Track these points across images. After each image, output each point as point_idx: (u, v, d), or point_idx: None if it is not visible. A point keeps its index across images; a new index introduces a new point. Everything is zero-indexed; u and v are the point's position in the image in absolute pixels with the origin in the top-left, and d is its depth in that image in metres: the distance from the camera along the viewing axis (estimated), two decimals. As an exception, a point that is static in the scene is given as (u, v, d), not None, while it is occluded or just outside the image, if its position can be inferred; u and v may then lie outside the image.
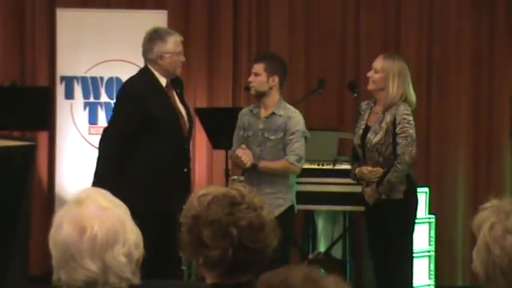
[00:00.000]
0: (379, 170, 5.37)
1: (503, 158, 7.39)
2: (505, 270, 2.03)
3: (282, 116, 5.49)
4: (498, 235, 2.05)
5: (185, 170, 5.44)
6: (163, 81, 5.43)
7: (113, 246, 2.10)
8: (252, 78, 5.53)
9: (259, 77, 5.49)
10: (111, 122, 5.62)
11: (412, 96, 5.46)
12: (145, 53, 5.45)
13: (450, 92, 7.43)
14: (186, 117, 5.49)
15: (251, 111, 5.60)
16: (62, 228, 2.12)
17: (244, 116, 5.64)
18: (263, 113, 5.54)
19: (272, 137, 5.49)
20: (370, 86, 5.47)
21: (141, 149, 5.37)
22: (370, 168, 5.40)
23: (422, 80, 7.43)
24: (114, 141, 5.44)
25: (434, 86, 7.45)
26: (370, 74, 5.47)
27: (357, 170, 5.48)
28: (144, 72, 5.50)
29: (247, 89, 5.68)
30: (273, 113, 5.50)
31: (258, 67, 5.51)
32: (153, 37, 5.42)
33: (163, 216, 5.15)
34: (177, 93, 5.53)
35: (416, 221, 5.59)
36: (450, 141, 7.41)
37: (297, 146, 5.45)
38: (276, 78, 5.49)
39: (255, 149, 5.51)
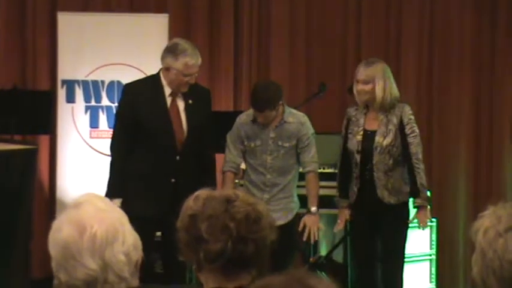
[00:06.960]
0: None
1: (504, 161, 7.38)
2: (497, 273, 2.05)
3: (292, 122, 5.53)
4: (491, 238, 2.09)
5: (173, 180, 5.36)
6: (168, 89, 5.38)
7: (113, 244, 2.13)
8: (263, 120, 5.48)
9: (271, 116, 5.47)
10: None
11: (397, 92, 5.48)
12: (160, 59, 5.40)
13: (451, 95, 7.42)
14: (186, 129, 5.40)
15: (252, 120, 5.59)
16: (62, 229, 2.15)
17: (244, 125, 5.61)
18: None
19: (286, 145, 5.53)
20: (364, 97, 5.42)
21: (129, 154, 5.35)
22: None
23: (423, 83, 7.43)
24: (113, 145, 5.46)
25: (435, 90, 7.44)
26: (360, 87, 5.42)
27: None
28: (151, 77, 5.48)
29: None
30: (284, 121, 5.52)
31: (269, 115, 5.45)
32: (169, 49, 5.32)
33: (142, 222, 5.15)
34: (187, 103, 5.43)
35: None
36: (451, 145, 7.40)
37: (314, 152, 5.56)
38: (280, 103, 5.47)
39: (266, 157, 5.54)
